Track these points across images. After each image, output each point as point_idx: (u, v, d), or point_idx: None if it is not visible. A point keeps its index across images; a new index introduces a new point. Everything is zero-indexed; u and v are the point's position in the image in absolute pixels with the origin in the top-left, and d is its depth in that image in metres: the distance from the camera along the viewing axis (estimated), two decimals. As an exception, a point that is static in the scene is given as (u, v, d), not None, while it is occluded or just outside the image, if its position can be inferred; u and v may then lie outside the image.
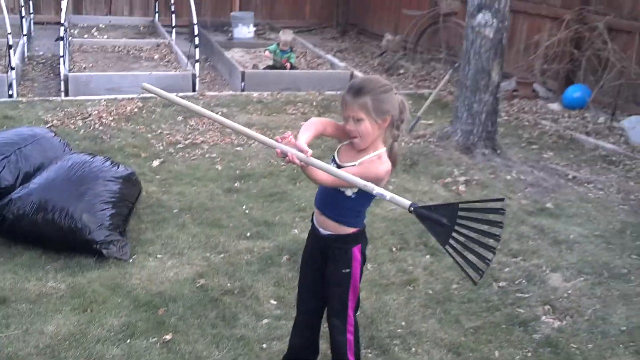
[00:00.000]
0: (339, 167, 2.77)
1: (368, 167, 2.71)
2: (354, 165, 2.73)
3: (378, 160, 2.73)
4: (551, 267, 4.46)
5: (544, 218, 5.23)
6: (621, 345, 3.66)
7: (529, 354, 3.55)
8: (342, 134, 2.83)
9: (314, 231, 2.99)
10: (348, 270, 2.91)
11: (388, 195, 2.58)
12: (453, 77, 8.13)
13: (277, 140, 2.63)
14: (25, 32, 10.21)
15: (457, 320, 3.83)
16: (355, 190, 2.75)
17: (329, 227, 2.88)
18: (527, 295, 4.11)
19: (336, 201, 2.82)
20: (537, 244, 4.79)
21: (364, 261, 2.98)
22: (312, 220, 3.02)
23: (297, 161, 2.57)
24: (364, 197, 2.79)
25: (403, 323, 3.76)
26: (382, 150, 2.77)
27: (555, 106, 8.57)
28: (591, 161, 6.75)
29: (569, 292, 4.18)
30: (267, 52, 9.64)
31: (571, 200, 5.63)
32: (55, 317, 3.57)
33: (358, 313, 3.11)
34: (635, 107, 8.01)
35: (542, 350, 3.59)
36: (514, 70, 9.54)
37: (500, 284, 4.24)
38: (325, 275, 2.98)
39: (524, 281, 4.28)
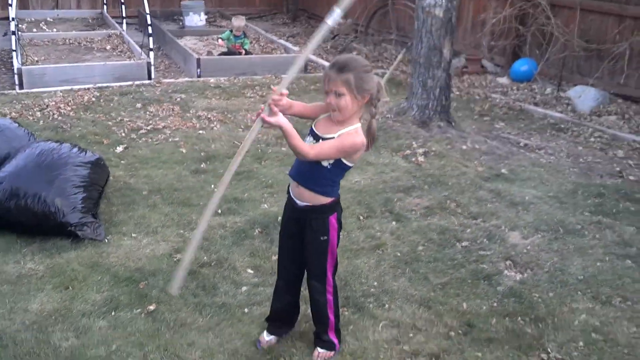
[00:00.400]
0: (317, 137, 2.94)
1: (346, 137, 2.87)
2: (333, 137, 2.89)
3: (355, 133, 2.90)
4: (510, 227, 4.71)
5: (499, 183, 5.49)
6: (579, 292, 3.92)
7: (495, 304, 3.77)
8: (311, 113, 3.07)
9: (290, 202, 3.14)
10: (325, 237, 3.08)
11: None
12: (405, 57, 8.35)
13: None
14: (-28, 27, 10.02)
15: (426, 277, 4.03)
16: (331, 161, 2.92)
17: (306, 198, 3.04)
18: (489, 253, 4.35)
19: (312, 172, 2.98)
20: (495, 207, 5.03)
21: (339, 228, 3.15)
22: (288, 192, 3.16)
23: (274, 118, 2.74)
24: (339, 168, 2.96)
25: (375, 283, 3.95)
26: (358, 125, 2.94)
27: (504, 80, 8.90)
28: (541, 129, 7.06)
29: (528, 247, 4.43)
30: (220, 41, 9.70)
31: (524, 165, 5.91)
32: (38, 295, 3.64)
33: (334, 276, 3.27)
34: (579, 78, 8.38)
35: (507, 300, 3.82)
36: (463, 47, 9.83)
37: (463, 243, 4.46)
38: (304, 243, 3.14)
39: (485, 240, 4.51)
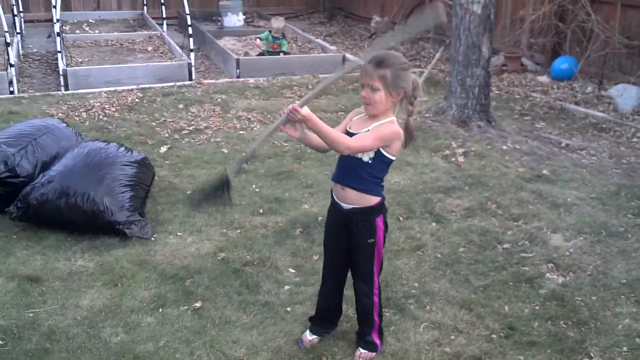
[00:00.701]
0: (351, 135, 2.98)
1: (381, 127, 2.92)
2: (367, 130, 2.94)
3: (390, 123, 2.95)
4: (552, 229, 4.69)
5: (541, 184, 5.46)
6: (622, 296, 3.89)
7: (537, 307, 3.77)
8: None
9: (335, 206, 3.18)
10: (372, 240, 3.12)
11: None
12: (443, 55, 8.33)
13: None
14: (18, 30, 10.29)
15: (467, 279, 4.05)
16: (372, 155, 2.95)
17: (352, 200, 3.07)
18: (530, 255, 4.34)
19: (355, 170, 3.02)
20: (537, 208, 5.01)
21: (386, 230, 3.19)
22: (331, 196, 3.21)
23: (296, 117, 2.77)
24: (381, 162, 3.00)
25: (416, 284, 3.98)
26: (393, 117, 2.97)
27: (544, 78, 8.81)
28: (582, 129, 6.99)
29: (570, 250, 4.41)
30: (258, 41, 9.79)
31: (566, 166, 5.87)
32: (88, 292, 3.76)
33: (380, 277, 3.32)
34: (621, 76, 8.26)
35: (549, 303, 3.81)
36: (502, 45, 9.76)
37: (505, 246, 4.46)
38: (351, 245, 3.18)
39: (526, 242, 4.50)
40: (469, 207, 5.00)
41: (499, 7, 9.85)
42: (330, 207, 3.25)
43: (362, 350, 3.30)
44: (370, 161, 2.98)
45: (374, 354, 3.30)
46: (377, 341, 3.31)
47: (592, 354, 3.36)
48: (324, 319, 3.43)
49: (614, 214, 4.92)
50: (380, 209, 3.10)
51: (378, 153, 2.95)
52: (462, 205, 5.04)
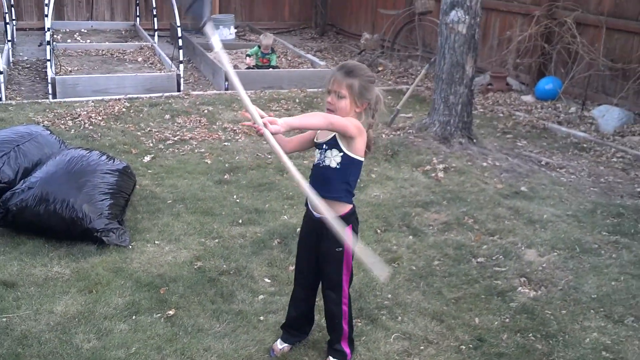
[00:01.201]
0: (319, 145, 3.10)
1: (346, 121, 2.97)
2: (334, 135, 3.03)
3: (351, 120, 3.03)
4: (526, 244, 4.75)
5: (518, 200, 5.53)
6: (592, 311, 3.95)
7: (507, 320, 3.82)
8: (305, 142, 3.21)
9: (308, 214, 3.25)
10: (341, 249, 3.17)
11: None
12: (429, 72, 8.44)
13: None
14: (9, 37, 10.35)
15: (440, 292, 4.10)
16: (339, 160, 3.03)
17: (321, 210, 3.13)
18: (504, 269, 4.40)
19: (326, 178, 3.08)
20: (513, 224, 5.08)
21: (355, 240, 3.22)
22: (306, 205, 3.27)
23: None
24: (349, 165, 3.06)
25: (389, 296, 4.03)
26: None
27: (528, 98, 8.92)
28: (563, 148, 7.08)
29: (544, 265, 4.47)
30: (248, 59, 9.84)
31: (544, 183, 5.95)
32: (62, 298, 3.79)
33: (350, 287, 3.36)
34: (604, 97, 8.38)
35: (519, 316, 3.86)
36: (488, 65, 9.88)
37: (479, 259, 4.52)
38: (320, 253, 3.24)
39: (501, 257, 4.56)
40: (446, 222, 5.06)
41: (487, 28, 10.01)
42: (305, 213, 3.31)
43: (331, 359, 3.33)
44: (338, 166, 3.04)
45: None
46: (347, 350, 3.35)
47: (558, 367, 3.41)
48: (295, 327, 3.47)
49: (588, 231, 4.99)
50: (348, 219, 3.15)
51: (344, 156, 3.03)
52: (439, 220, 5.10)
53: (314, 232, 3.23)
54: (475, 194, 5.60)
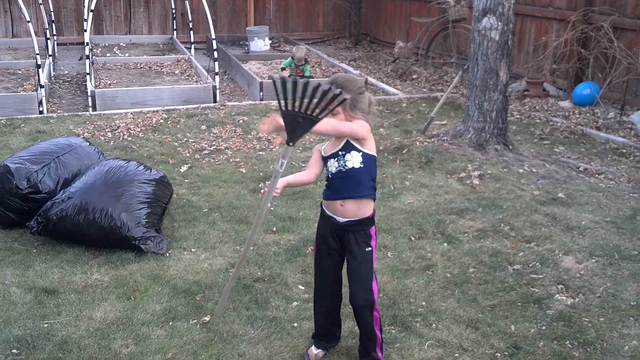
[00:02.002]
0: (332, 155, 3.17)
1: (355, 126, 3.06)
2: (346, 140, 3.12)
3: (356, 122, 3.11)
4: (564, 251, 4.69)
5: (556, 207, 5.46)
6: (631, 318, 3.87)
7: (544, 328, 3.77)
8: (313, 175, 3.34)
9: (330, 221, 3.26)
10: (370, 248, 3.23)
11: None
12: (464, 79, 8.39)
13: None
14: (50, 52, 10.63)
15: (475, 299, 4.07)
16: (360, 159, 3.11)
17: (351, 213, 3.18)
18: (540, 276, 4.35)
19: (355, 178, 3.14)
20: (550, 231, 5.01)
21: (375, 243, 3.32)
22: (322, 212, 3.31)
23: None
24: (369, 161, 3.15)
25: (423, 303, 4.01)
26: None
27: (565, 104, 8.81)
28: (602, 154, 6.97)
29: (581, 272, 4.40)
30: (283, 72, 9.94)
31: (582, 190, 5.86)
32: (102, 304, 3.87)
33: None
34: (643, 102, 8.22)
35: (556, 324, 3.81)
36: (524, 70, 9.79)
37: (515, 267, 4.48)
38: (349, 256, 3.25)
39: (537, 264, 4.51)
40: (482, 229, 5.02)
41: (523, 34, 9.93)
42: (320, 223, 3.34)
43: None
44: (362, 165, 3.13)
45: None
46: (380, 355, 3.36)
47: (596, 375, 3.35)
48: (326, 334, 3.48)
49: (627, 237, 4.90)
50: (373, 219, 3.25)
51: (364, 155, 3.12)
52: (474, 227, 5.07)
53: (338, 238, 3.25)
54: (512, 200, 5.54)
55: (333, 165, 3.16)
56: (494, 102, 6.71)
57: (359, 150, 3.11)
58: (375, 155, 3.18)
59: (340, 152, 3.13)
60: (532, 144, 7.22)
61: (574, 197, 5.68)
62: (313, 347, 3.47)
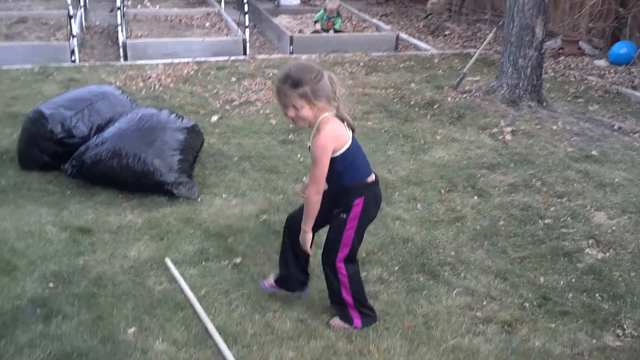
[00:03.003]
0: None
1: (313, 150, 2.96)
2: (309, 146, 3.02)
3: (318, 135, 2.95)
4: (596, 207, 4.64)
5: (589, 164, 5.39)
6: (663, 274, 3.85)
7: (573, 280, 3.76)
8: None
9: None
10: (345, 216, 3.12)
11: None
12: (498, 35, 8.25)
13: None
14: (82, 4, 10.65)
15: (504, 251, 4.07)
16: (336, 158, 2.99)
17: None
18: (571, 231, 4.32)
19: (333, 177, 3.05)
20: (582, 187, 4.96)
21: (366, 216, 3.16)
22: None
23: None
24: (342, 161, 3.02)
25: (452, 253, 4.02)
26: (321, 117, 2.97)
27: (601, 62, 8.62)
28: (637, 113, 6.83)
29: (613, 228, 4.36)
30: (317, 25, 9.89)
31: (616, 148, 5.77)
32: (135, 244, 3.95)
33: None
34: (682, 62, 8.02)
35: (586, 277, 3.80)
36: (560, 28, 9.58)
37: (546, 221, 4.45)
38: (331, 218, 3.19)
39: (569, 219, 4.48)
40: (513, 183, 4.99)
41: (559, -10, 9.69)
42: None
43: (337, 320, 3.30)
44: (340, 169, 3.03)
45: (348, 326, 3.27)
46: (355, 318, 3.27)
47: (625, 326, 3.35)
48: (289, 283, 3.46)
49: (661, 196, 4.84)
50: (359, 190, 3.10)
51: (332, 160, 2.98)
52: (505, 181, 5.03)
53: (330, 201, 3.15)
54: (544, 157, 5.48)
55: None
56: (528, 59, 6.60)
57: None
58: (340, 153, 2.98)
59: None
60: (566, 102, 7.10)
61: (607, 155, 5.60)
62: (272, 275, 3.47)
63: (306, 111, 2.93)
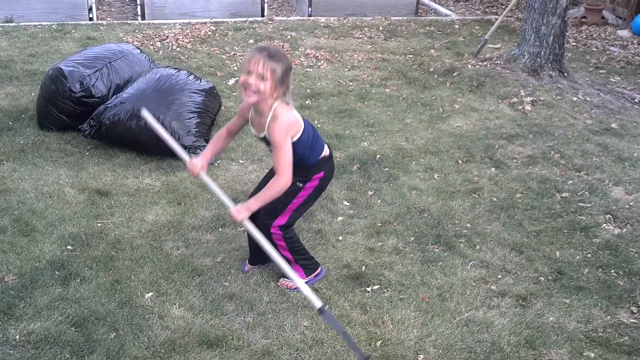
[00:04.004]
0: (261, 139, 3.07)
1: (276, 136, 2.91)
2: (265, 135, 2.99)
3: (276, 121, 2.92)
4: (614, 181, 4.61)
5: (608, 137, 5.33)
6: (680, 252, 3.83)
7: (589, 255, 3.76)
8: (237, 126, 3.21)
9: None
10: (301, 185, 3.14)
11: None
12: (520, 2, 8.09)
13: None
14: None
15: (521, 224, 4.06)
16: (296, 142, 2.99)
17: None
18: (589, 205, 4.29)
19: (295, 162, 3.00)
20: (601, 160, 4.92)
21: (321, 189, 3.23)
22: None
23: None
24: (301, 142, 3.02)
25: (468, 225, 4.02)
26: (276, 104, 2.93)
27: (624, 33, 8.46)
28: (660, 86, 6.73)
29: (630, 203, 4.33)
30: None
31: (636, 122, 5.70)
32: (153, 208, 3.98)
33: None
34: None
35: (602, 252, 3.79)
36: (584, -4, 9.38)
37: (564, 194, 4.42)
38: None
39: (586, 193, 4.45)
40: (531, 155, 4.95)
41: (585, -44, 9.46)
42: None
43: (281, 280, 3.35)
44: (301, 151, 3.04)
45: (293, 283, 3.21)
46: (298, 272, 3.29)
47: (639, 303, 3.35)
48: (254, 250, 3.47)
49: (682, 172, 4.79)
50: (319, 166, 3.15)
51: (293, 145, 2.97)
52: (524, 153, 5.00)
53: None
54: (564, 128, 5.43)
55: (266, 145, 3.10)
56: (551, 27, 6.47)
57: None
58: (296, 138, 2.99)
59: (266, 141, 3.04)
60: (587, 73, 7.00)
61: (627, 129, 5.53)
62: (247, 261, 3.49)
63: (266, 87, 2.85)
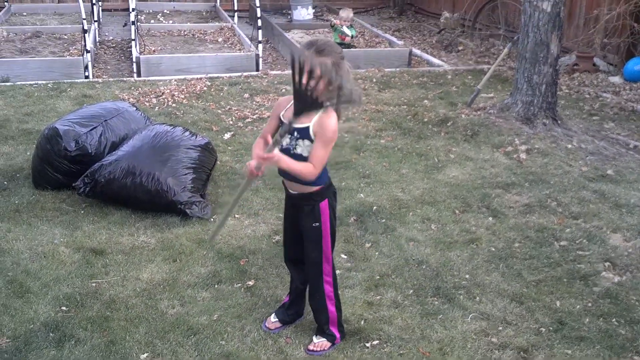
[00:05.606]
0: (293, 129, 2.84)
1: (329, 131, 2.82)
2: (308, 126, 2.85)
3: (328, 117, 2.82)
4: (612, 228, 4.59)
5: (604, 184, 5.33)
6: (681, 299, 3.79)
7: (590, 304, 3.71)
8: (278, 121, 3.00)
9: (286, 190, 3.17)
10: (318, 224, 3.08)
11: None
12: (512, 51, 8.22)
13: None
14: (96, 18, 10.73)
15: (520, 274, 4.02)
16: (309, 150, 2.89)
17: (296, 187, 3.06)
18: (587, 253, 4.27)
19: None
20: (598, 207, 4.91)
21: (333, 215, 3.14)
22: (283, 183, 3.18)
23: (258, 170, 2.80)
24: None
25: (467, 276, 3.98)
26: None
27: (616, 79, 8.56)
28: (653, 131, 6.77)
29: (629, 250, 4.31)
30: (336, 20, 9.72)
31: (632, 167, 5.71)
32: (148, 266, 3.94)
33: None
34: (699, 79, 7.94)
35: (602, 301, 3.75)
36: (574, 44, 9.52)
37: (562, 243, 4.40)
38: (301, 230, 3.16)
39: (584, 240, 4.42)
40: (528, 204, 4.94)
41: (573, 6, 9.64)
42: (285, 195, 3.23)
43: (315, 340, 3.27)
44: (309, 154, 2.90)
45: (330, 344, 3.25)
46: (337, 334, 3.27)
47: (643, 354, 3.30)
48: (287, 305, 3.46)
49: (679, 217, 4.77)
50: (322, 194, 3.06)
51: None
52: (520, 202, 4.99)
53: (292, 207, 3.17)
54: (559, 176, 5.44)
55: (284, 138, 2.86)
56: (543, 75, 6.56)
57: (312, 141, 2.86)
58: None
59: (296, 133, 2.88)
60: (581, 120, 7.05)
61: (623, 175, 5.54)
62: (272, 315, 3.44)
63: (321, 86, 2.60)
